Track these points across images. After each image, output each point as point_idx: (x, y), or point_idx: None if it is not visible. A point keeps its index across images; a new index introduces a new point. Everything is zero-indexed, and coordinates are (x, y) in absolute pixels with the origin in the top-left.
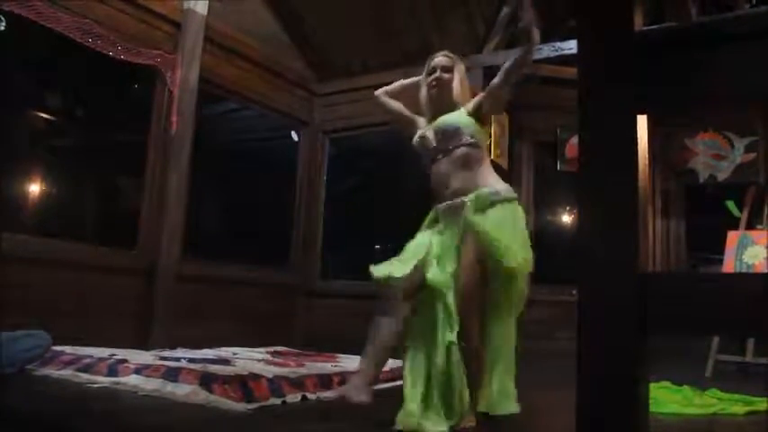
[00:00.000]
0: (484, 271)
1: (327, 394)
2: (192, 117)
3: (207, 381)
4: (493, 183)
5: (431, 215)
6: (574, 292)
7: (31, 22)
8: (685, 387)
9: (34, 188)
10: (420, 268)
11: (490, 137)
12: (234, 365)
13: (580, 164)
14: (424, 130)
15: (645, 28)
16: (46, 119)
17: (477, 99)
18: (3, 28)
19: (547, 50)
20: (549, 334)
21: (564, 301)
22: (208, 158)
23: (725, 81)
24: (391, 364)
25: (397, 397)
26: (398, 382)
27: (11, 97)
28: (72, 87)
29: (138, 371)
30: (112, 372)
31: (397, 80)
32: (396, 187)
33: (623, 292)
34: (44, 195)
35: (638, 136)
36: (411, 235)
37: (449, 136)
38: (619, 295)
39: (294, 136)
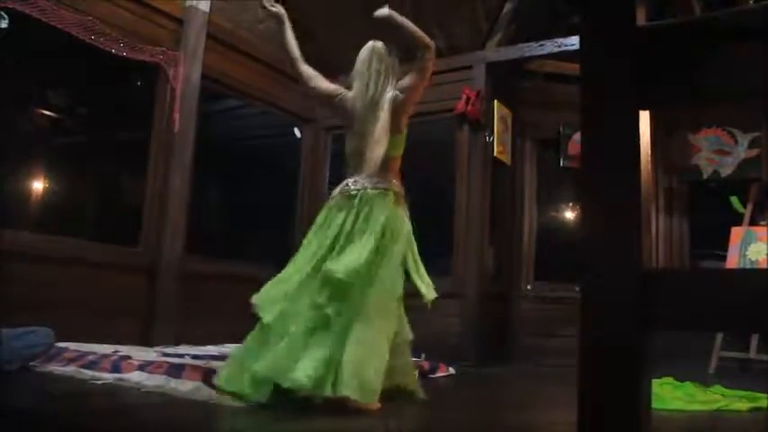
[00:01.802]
0: None
1: None
2: (194, 114)
3: (210, 377)
4: None
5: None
6: (577, 288)
7: (35, 20)
8: (688, 383)
9: (37, 185)
10: None
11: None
12: None
13: (582, 161)
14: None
15: (647, 23)
16: (49, 116)
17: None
18: (6, 25)
19: (549, 46)
20: (551, 330)
21: (566, 297)
22: (210, 155)
23: (728, 77)
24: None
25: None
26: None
27: (14, 95)
28: (75, 85)
29: (141, 367)
30: (116, 368)
31: None
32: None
33: (625, 289)
34: (47, 193)
35: (641, 132)
36: (416, 230)
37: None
38: (621, 292)
39: (297, 133)
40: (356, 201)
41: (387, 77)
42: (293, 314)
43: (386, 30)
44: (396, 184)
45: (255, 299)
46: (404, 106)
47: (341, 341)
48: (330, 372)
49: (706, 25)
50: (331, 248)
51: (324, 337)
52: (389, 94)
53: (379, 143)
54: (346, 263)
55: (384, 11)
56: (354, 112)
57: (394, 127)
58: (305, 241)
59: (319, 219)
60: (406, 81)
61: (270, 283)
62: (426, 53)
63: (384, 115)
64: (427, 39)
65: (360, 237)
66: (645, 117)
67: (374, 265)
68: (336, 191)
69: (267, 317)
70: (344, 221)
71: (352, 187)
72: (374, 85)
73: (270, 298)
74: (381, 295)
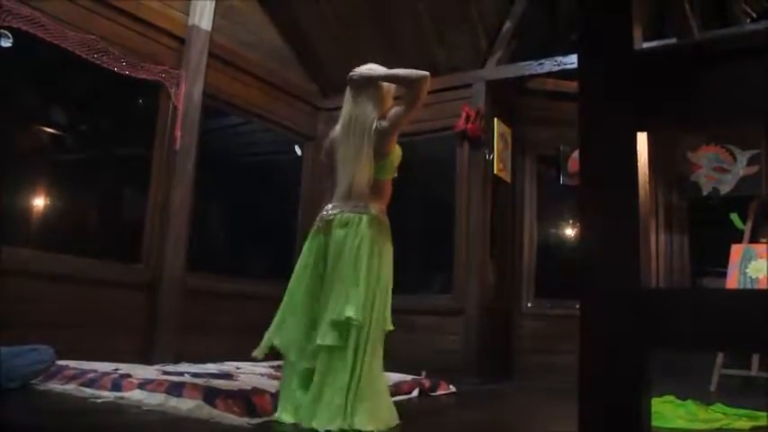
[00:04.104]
0: None
1: None
2: (196, 132)
3: (210, 396)
4: None
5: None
6: (577, 305)
7: (38, 39)
8: (690, 401)
9: (39, 202)
10: None
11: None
12: (237, 380)
13: (581, 180)
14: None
15: (645, 45)
16: (51, 133)
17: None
18: (9, 44)
19: (549, 65)
20: (552, 347)
21: (567, 314)
22: (212, 173)
23: (725, 98)
24: (395, 378)
25: (403, 411)
26: (401, 397)
27: (16, 111)
28: (77, 102)
29: (141, 385)
30: (116, 386)
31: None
32: (400, 199)
33: (624, 307)
34: (48, 209)
35: (639, 151)
36: (414, 248)
37: None
38: (620, 310)
39: (297, 150)
40: (333, 224)
41: (364, 105)
42: (309, 351)
43: (395, 48)
44: (375, 208)
45: (276, 341)
46: (386, 135)
47: (355, 374)
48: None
49: (702, 46)
50: (320, 277)
51: (339, 377)
52: (372, 120)
53: (362, 169)
54: (353, 303)
55: (360, 72)
56: (337, 142)
57: (376, 152)
58: (298, 269)
59: (305, 247)
60: (395, 110)
61: (278, 320)
62: (418, 86)
63: (367, 141)
64: (414, 75)
65: (349, 267)
66: (643, 135)
67: (370, 293)
68: (318, 217)
69: (291, 356)
70: (325, 247)
71: (330, 212)
72: (352, 111)
73: (289, 339)
74: (378, 325)
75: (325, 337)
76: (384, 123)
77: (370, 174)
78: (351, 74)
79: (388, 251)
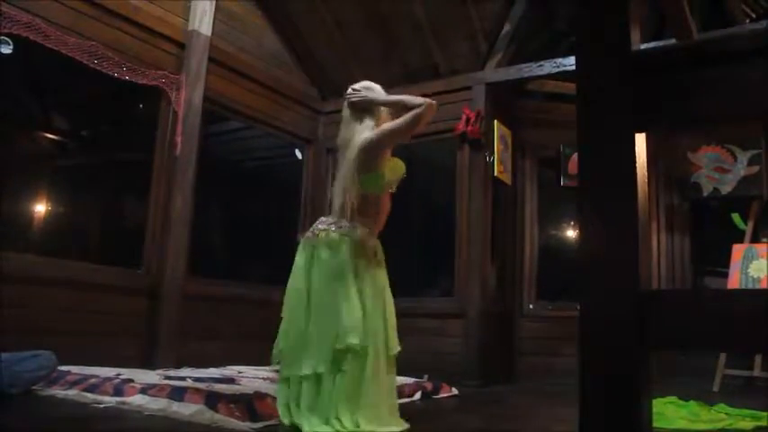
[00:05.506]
0: None
1: None
2: (196, 136)
3: (212, 400)
4: None
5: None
6: (578, 307)
7: (38, 45)
8: (692, 402)
9: (40, 208)
10: None
11: None
12: (239, 384)
13: (580, 181)
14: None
15: (643, 46)
16: (51, 139)
17: None
18: (9, 51)
19: (548, 66)
20: (553, 349)
21: (569, 316)
22: (212, 177)
23: (724, 98)
24: (398, 381)
25: (406, 413)
26: (403, 400)
27: (18, 117)
28: (78, 108)
29: (143, 390)
30: (118, 392)
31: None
32: (400, 203)
33: (623, 310)
34: (50, 215)
35: (638, 152)
36: (415, 251)
37: None
38: (619, 312)
39: (298, 154)
40: (320, 240)
41: (360, 128)
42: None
43: (394, 51)
44: (361, 230)
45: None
46: (374, 149)
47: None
48: None
49: (701, 48)
50: (308, 290)
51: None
52: (363, 135)
53: (344, 187)
54: (346, 326)
55: (361, 96)
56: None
57: (364, 166)
58: (291, 285)
59: (296, 258)
60: (386, 125)
61: (283, 337)
62: (422, 114)
63: (354, 161)
64: (418, 101)
65: (328, 293)
66: (642, 136)
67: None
68: (312, 227)
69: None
70: (311, 262)
71: (319, 227)
72: (344, 128)
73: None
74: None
75: (318, 366)
76: (372, 137)
77: (353, 194)
78: (350, 96)
79: (373, 276)
